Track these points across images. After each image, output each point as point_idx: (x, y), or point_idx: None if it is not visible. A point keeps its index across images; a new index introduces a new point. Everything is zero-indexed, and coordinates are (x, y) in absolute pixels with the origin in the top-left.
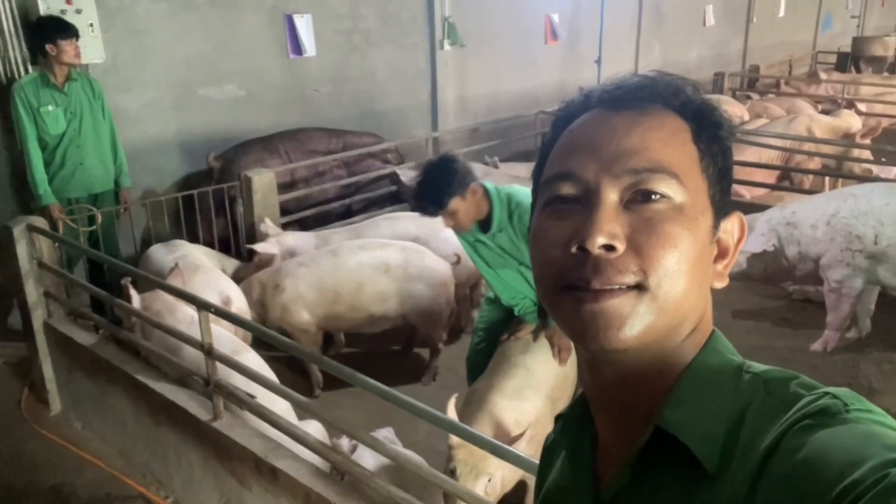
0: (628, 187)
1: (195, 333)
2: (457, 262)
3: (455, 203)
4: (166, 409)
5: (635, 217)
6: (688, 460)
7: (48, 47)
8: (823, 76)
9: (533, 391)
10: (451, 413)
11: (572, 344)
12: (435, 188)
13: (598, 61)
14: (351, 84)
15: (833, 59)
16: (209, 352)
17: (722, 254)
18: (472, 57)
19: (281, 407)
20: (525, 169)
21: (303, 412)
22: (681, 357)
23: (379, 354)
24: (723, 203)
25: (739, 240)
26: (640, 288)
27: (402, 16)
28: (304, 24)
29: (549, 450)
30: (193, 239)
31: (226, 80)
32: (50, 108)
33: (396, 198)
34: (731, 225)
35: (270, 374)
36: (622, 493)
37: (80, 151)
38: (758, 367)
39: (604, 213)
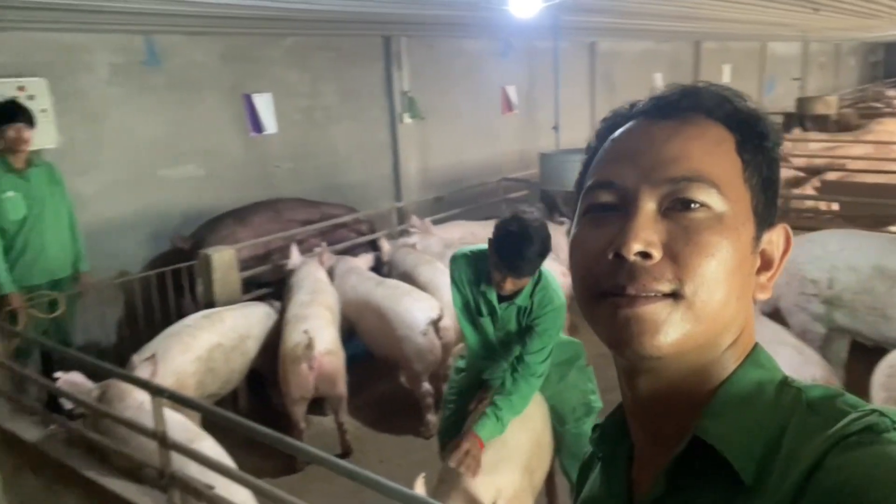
0: (667, 195)
1: (147, 420)
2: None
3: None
4: None
5: (673, 225)
6: (725, 471)
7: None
8: None
9: (508, 464)
10: (420, 491)
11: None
12: (536, 255)
13: (556, 128)
14: (313, 159)
15: (779, 119)
16: (163, 441)
17: (766, 265)
18: (433, 129)
19: (242, 496)
20: (460, 230)
21: (266, 500)
22: (720, 368)
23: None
24: (767, 214)
25: (785, 251)
26: (675, 296)
27: (361, 91)
28: (263, 103)
29: (587, 461)
30: (166, 318)
31: (185, 161)
32: (10, 194)
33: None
34: (777, 236)
35: (229, 461)
36: (657, 503)
37: (40, 237)
38: (800, 383)
39: (640, 220)
